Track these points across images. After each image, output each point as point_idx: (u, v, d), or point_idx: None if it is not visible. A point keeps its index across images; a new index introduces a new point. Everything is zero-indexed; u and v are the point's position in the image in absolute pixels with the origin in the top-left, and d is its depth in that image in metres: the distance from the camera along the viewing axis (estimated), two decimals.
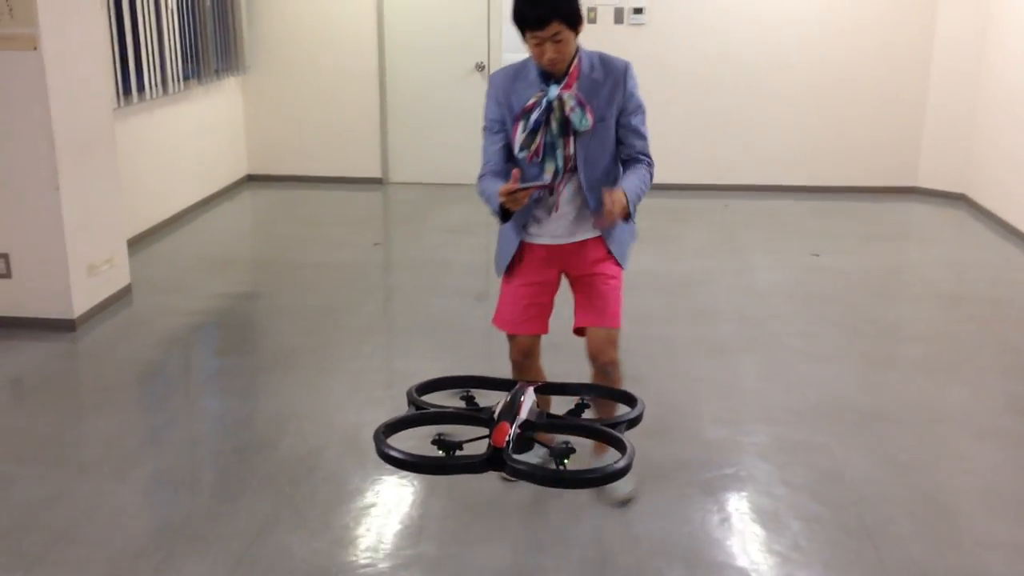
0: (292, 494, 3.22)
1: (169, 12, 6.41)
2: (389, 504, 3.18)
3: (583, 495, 3.20)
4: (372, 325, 4.90)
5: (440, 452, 2.41)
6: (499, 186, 2.78)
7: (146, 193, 6.31)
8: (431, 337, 4.74)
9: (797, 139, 7.65)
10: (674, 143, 7.62)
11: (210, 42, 7.09)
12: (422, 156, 7.94)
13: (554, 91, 2.82)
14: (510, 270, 3.12)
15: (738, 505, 3.17)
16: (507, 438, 2.35)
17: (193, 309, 5.06)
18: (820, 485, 3.28)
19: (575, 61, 2.86)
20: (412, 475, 3.29)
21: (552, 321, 3.19)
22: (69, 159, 4.57)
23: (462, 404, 2.73)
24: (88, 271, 4.77)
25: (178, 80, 6.56)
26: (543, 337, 3.21)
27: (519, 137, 2.86)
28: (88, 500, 3.17)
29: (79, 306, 4.70)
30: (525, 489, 3.16)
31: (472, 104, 7.81)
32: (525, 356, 3.15)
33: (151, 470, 3.40)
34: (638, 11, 7.46)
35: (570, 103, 2.81)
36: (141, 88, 6.09)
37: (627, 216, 2.86)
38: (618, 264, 3.08)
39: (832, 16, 7.40)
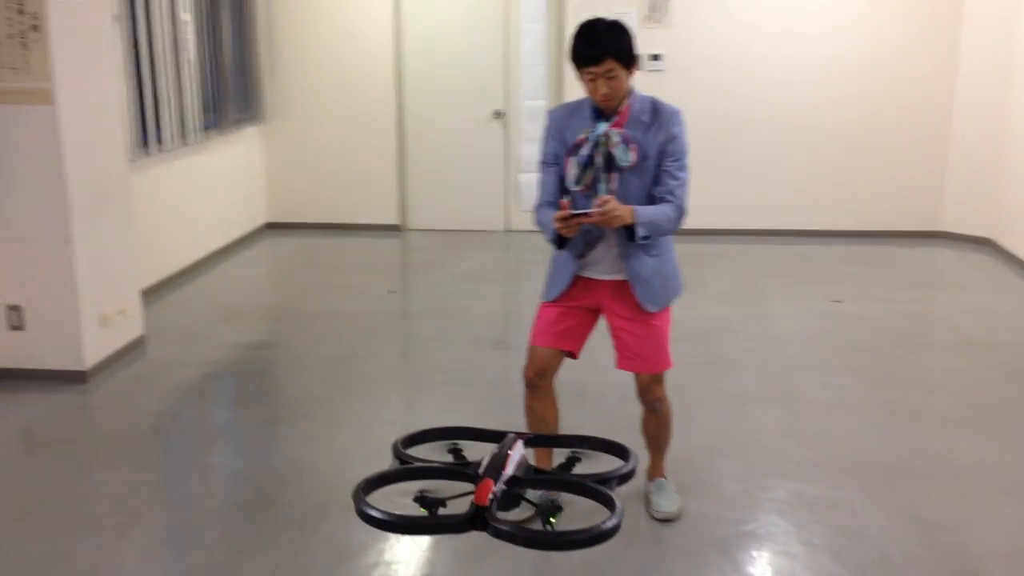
0: (293, 553, 3.14)
1: (189, 64, 6.46)
2: (392, 563, 3.09)
3: (594, 551, 3.09)
4: (385, 375, 4.84)
5: (422, 510, 2.33)
6: (553, 214, 2.93)
7: (165, 242, 6.33)
8: (445, 387, 4.67)
9: (819, 183, 7.57)
10: (693, 188, 7.52)
11: (230, 93, 7.15)
12: (440, 203, 7.93)
13: (602, 127, 2.97)
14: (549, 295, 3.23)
15: (754, 565, 3.06)
16: (490, 496, 2.27)
17: (206, 359, 5.03)
18: (840, 544, 3.16)
19: (627, 101, 2.99)
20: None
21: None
22: (82, 212, 4.57)
23: (450, 457, 2.66)
24: (101, 322, 4.76)
25: (197, 131, 6.60)
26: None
27: (571, 171, 3.03)
28: (87, 559, 3.11)
29: (90, 358, 4.68)
30: None
31: (490, 152, 7.85)
32: (539, 375, 3.20)
33: (153, 527, 3.34)
34: (655, 57, 7.45)
35: (615, 139, 2.95)
36: (160, 139, 6.13)
37: (630, 234, 2.96)
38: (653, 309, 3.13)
39: (852, 60, 7.35)
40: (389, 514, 2.27)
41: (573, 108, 3.11)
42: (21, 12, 4.24)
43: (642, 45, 7.37)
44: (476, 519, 2.25)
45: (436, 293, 6.34)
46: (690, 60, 7.46)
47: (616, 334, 3.18)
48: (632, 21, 7.38)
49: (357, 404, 4.40)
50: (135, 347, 5.09)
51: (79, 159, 4.54)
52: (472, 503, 2.27)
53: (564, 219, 2.87)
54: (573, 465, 2.68)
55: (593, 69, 2.88)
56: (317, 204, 8.02)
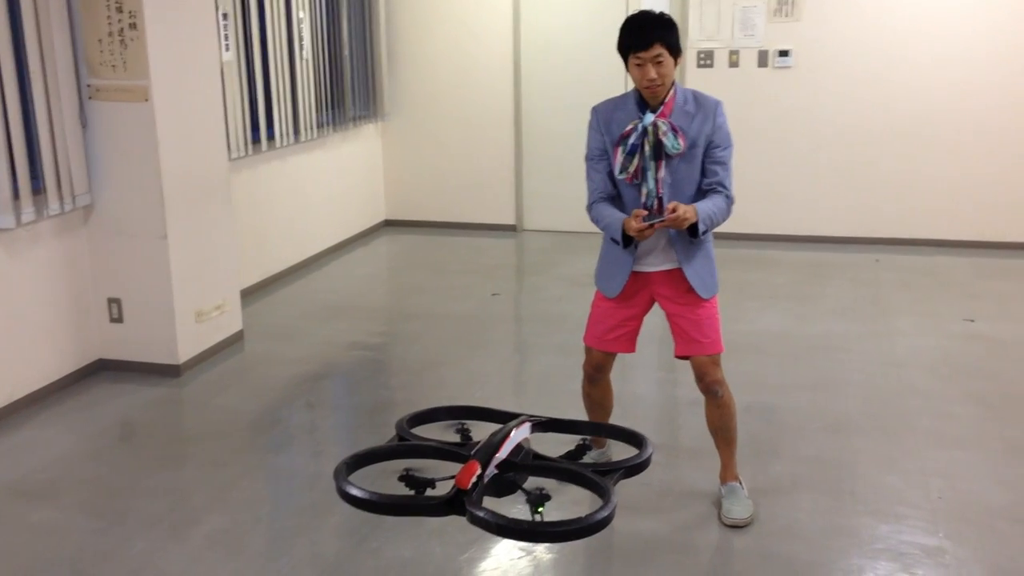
0: (338, 567, 3.06)
1: (304, 62, 6.53)
2: None
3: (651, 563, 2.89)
4: (470, 381, 4.72)
5: (410, 490, 2.25)
6: (617, 214, 3.13)
7: (276, 238, 6.42)
8: (527, 396, 4.54)
9: (960, 189, 6.98)
10: (820, 192, 7.13)
11: (348, 91, 7.19)
12: (556, 204, 7.75)
13: (649, 118, 3.07)
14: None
15: None
16: (473, 479, 2.15)
17: (299, 358, 5.04)
18: None
19: (671, 93, 3.11)
20: (455, 548, 3.08)
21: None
22: (179, 209, 4.65)
23: (457, 438, 2.56)
24: (196, 317, 4.83)
25: (311, 128, 6.66)
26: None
27: (619, 160, 3.12)
28: (138, 559, 3.12)
29: (184, 352, 4.76)
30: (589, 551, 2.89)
31: None
32: (596, 369, 3.44)
33: (208, 529, 3.32)
34: (784, 54, 7.04)
35: (663, 128, 3.05)
36: (271, 136, 6.21)
37: (693, 232, 3.07)
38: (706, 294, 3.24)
39: (999, 59, 6.74)
40: (367, 492, 2.20)
41: (617, 103, 3.21)
42: (119, 10, 4.33)
43: (769, 40, 7.07)
44: (456, 503, 2.15)
45: (539, 297, 6.20)
46: (821, 57, 7.01)
47: (673, 320, 3.28)
48: (760, 14, 7.03)
49: None
50: (232, 343, 5.15)
51: (176, 156, 4.62)
52: (454, 485, 2.17)
53: (641, 229, 3.00)
54: (583, 453, 2.55)
55: (642, 55, 3.00)
56: (435, 202, 8.00)
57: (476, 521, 2.15)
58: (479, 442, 2.43)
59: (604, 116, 3.20)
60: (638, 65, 3.04)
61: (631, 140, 3.08)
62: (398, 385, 4.75)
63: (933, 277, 6.38)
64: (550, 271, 6.73)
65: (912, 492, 3.48)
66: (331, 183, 7.20)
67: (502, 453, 2.35)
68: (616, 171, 3.14)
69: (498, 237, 7.75)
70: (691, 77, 7.10)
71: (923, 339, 5.13)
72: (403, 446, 2.57)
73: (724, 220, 3.17)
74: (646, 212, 3.06)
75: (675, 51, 3.05)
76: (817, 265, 6.65)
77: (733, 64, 7.10)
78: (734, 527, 3.23)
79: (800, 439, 3.94)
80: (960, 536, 3.17)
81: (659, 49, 3.00)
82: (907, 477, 3.60)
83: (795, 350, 4.98)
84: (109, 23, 4.35)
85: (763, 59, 7.06)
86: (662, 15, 3.07)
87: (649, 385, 4.71)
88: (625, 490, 2.46)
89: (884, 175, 7.08)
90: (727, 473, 3.39)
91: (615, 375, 3.54)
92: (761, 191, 7.00)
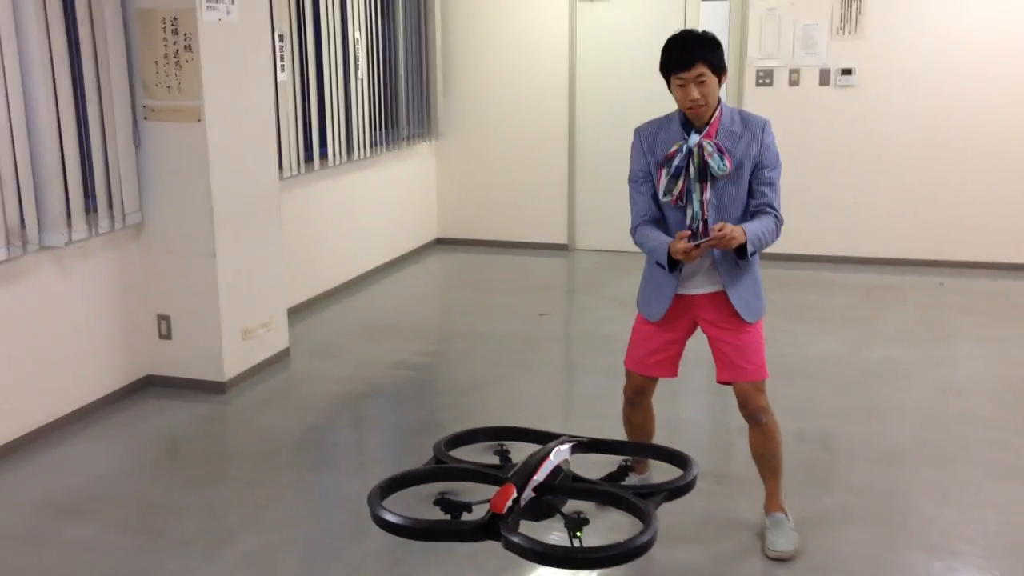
0: None
1: (360, 82, 6.57)
2: None
3: None
4: (512, 402, 4.66)
5: (445, 514, 2.20)
6: (662, 237, 3.06)
7: (327, 256, 6.45)
8: (573, 418, 4.47)
9: None
10: (882, 212, 6.95)
11: (403, 110, 7.23)
12: (608, 223, 7.67)
13: (694, 139, 3.01)
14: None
15: None
16: (509, 503, 2.08)
17: (345, 376, 5.03)
18: None
19: (716, 113, 3.03)
20: (487, 573, 3.01)
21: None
22: (228, 227, 4.68)
23: (496, 460, 2.50)
24: (242, 335, 4.86)
25: (364, 147, 6.69)
26: None
27: (663, 182, 3.06)
28: None
29: (230, 369, 4.78)
30: None
31: None
32: (637, 393, 3.36)
33: (242, 550, 3.30)
34: (847, 72, 6.89)
35: (709, 149, 2.98)
36: (324, 155, 6.25)
37: (742, 254, 2.98)
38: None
39: None
40: (400, 516, 2.16)
41: (661, 124, 3.15)
42: (175, 32, 4.39)
43: (832, 58, 6.93)
44: (491, 527, 2.09)
45: (586, 317, 6.12)
46: (886, 75, 6.84)
47: (716, 346, 3.17)
48: (822, 32, 6.89)
49: None
50: (278, 360, 5.17)
51: (227, 176, 4.66)
52: (488, 510, 2.11)
53: (687, 251, 2.92)
54: (624, 475, 2.46)
55: (684, 75, 2.95)
56: (486, 221, 7.99)
57: (511, 547, 2.10)
58: (516, 464, 2.37)
59: (648, 137, 3.15)
60: (680, 85, 2.98)
61: (675, 162, 3.03)
62: (442, 405, 4.71)
63: (999, 301, 6.16)
64: (600, 291, 6.65)
65: (968, 526, 3.33)
66: (383, 201, 7.23)
67: (539, 476, 2.29)
68: (660, 193, 3.08)
69: (550, 256, 7.70)
70: (749, 96, 6.98)
71: (986, 365, 4.94)
72: (438, 469, 2.53)
73: (773, 241, 3.07)
74: (690, 233, 3.00)
75: (718, 70, 2.98)
76: (876, 288, 6.46)
77: (793, 83, 6.96)
78: (778, 560, 3.11)
79: (852, 469, 3.80)
80: (1016, 574, 3.01)
81: (701, 68, 2.94)
82: (963, 510, 3.44)
83: (850, 376, 4.82)
84: (165, 45, 4.41)
85: (825, 77, 6.92)
86: (704, 34, 3.02)
87: (698, 409, 4.60)
88: (664, 517, 2.37)
89: (949, 195, 6.87)
90: (771, 503, 3.28)
91: (662, 398, 3.46)
92: (820, 211, 6.84)
